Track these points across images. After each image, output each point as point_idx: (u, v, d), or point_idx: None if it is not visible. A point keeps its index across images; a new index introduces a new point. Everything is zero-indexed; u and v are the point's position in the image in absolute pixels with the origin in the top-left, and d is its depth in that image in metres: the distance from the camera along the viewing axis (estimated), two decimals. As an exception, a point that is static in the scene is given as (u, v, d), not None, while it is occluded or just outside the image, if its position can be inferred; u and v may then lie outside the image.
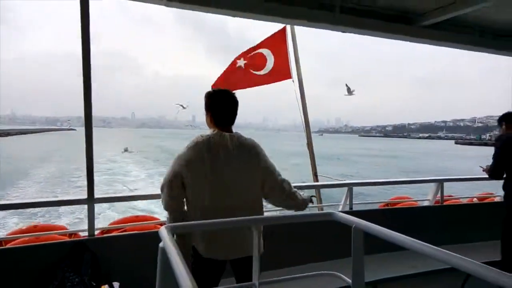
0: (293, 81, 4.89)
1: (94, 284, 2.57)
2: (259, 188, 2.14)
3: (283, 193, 2.20)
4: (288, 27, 4.97)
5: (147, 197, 3.22)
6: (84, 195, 2.74)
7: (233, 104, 2.16)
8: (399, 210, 4.52)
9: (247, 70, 4.98)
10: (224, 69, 5.13)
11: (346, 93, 17.96)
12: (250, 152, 2.11)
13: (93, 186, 2.73)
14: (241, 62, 4.99)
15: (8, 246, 2.76)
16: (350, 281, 1.64)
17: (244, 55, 5.10)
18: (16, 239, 2.86)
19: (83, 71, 2.57)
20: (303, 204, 2.30)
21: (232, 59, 5.08)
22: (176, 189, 2.03)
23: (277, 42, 5.01)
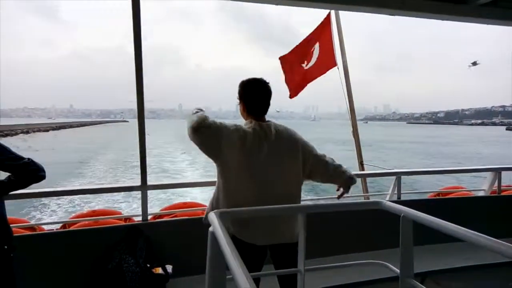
0: (338, 68, 4.76)
1: (148, 265, 2.71)
2: (300, 175, 2.11)
3: (329, 167, 2.16)
4: (332, 12, 4.82)
5: (196, 184, 3.33)
6: (138, 182, 2.89)
7: (266, 93, 2.12)
8: (451, 200, 4.28)
9: (300, 67, 4.91)
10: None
11: (470, 65, 17.35)
12: (289, 139, 2.09)
13: (146, 174, 2.87)
14: (305, 66, 4.94)
15: (71, 228, 2.98)
16: (398, 271, 1.60)
17: (298, 52, 5.01)
18: (77, 222, 3.08)
19: (135, 66, 2.68)
20: (349, 180, 2.24)
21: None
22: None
23: (322, 31, 4.89)
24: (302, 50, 4.95)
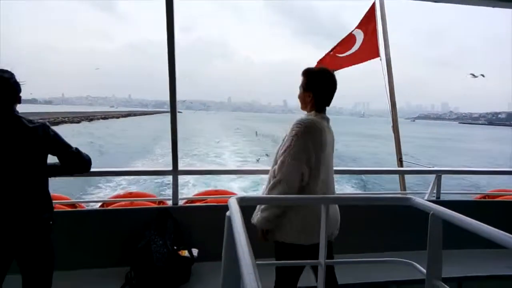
0: (380, 59, 4.52)
1: (175, 248, 2.76)
2: None
3: None
4: (377, 3, 4.59)
5: (227, 172, 3.33)
6: (169, 167, 2.95)
7: (336, 84, 2.06)
8: (499, 203, 3.91)
9: (333, 55, 4.77)
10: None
11: (471, 76, 16.56)
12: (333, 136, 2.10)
13: (177, 159, 2.93)
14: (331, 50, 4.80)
15: (109, 207, 3.12)
16: (425, 271, 1.50)
17: (341, 42, 4.87)
18: (115, 202, 3.21)
19: (168, 61, 2.74)
20: None
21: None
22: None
23: (366, 20, 4.70)
24: (344, 42, 4.79)
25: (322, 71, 2.07)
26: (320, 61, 4.86)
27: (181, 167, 2.97)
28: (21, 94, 1.99)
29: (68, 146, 2.04)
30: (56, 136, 2.01)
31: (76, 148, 2.06)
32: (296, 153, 1.87)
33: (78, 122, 54.71)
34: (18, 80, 1.98)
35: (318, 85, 2.02)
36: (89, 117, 63.11)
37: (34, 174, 1.96)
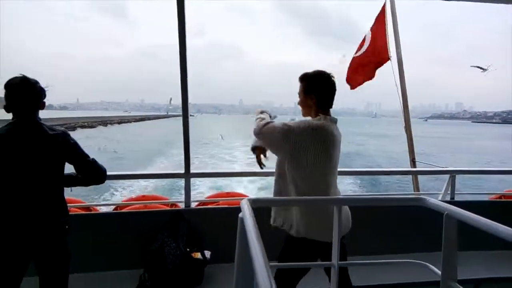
0: (390, 60, 4.46)
1: (188, 250, 2.77)
2: None
3: None
4: (388, 2, 4.54)
5: (238, 174, 3.34)
6: (182, 170, 2.97)
7: (335, 86, 2.07)
8: None
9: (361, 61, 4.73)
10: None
11: (481, 70, 15.92)
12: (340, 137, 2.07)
13: (189, 162, 2.94)
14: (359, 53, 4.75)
15: (123, 210, 3.15)
16: (440, 273, 1.47)
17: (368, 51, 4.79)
18: (129, 205, 3.24)
19: (180, 67, 2.74)
20: None
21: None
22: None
23: (377, 21, 4.64)
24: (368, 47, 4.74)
25: (319, 73, 2.06)
26: (358, 73, 4.82)
27: (194, 168, 2.99)
28: (44, 100, 2.03)
29: (85, 155, 2.07)
30: (76, 145, 2.04)
31: (93, 159, 2.09)
32: None
33: (93, 127, 55.85)
34: (42, 86, 2.02)
35: (319, 87, 2.03)
36: (106, 122, 65.01)
37: (52, 180, 1.99)
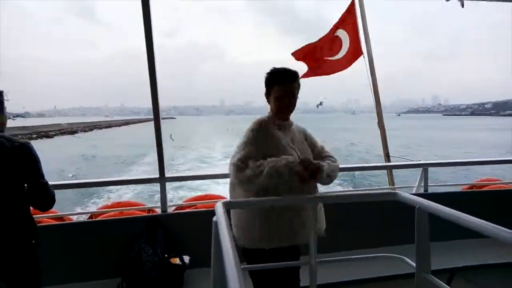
0: (363, 57, 4.49)
1: (166, 255, 2.69)
2: None
3: None
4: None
5: (214, 177, 3.27)
6: (156, 174, 2.88)
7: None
8: (485, 193, 3.89)
9: (322, 58, 4.69)
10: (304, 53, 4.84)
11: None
12: None
13: (164, 166, 2.86)
14: (319, 51, 4.70)
15: (97, 219, 3.04)
16: (414, 265, 1.49)
17: (324, 41, 4.76)
18: (104, 213, 3.13)
19: (148, 67, 2.65)
20: None
21: (309, 38, 4.78)
22: None
23: (347, 18, 4.65)
24: (330, 44, 4.72)
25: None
26: (312, 66, 4.75)
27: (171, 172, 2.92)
28: (8, 109, 1.89)
29: (40, 175, 1.87)
30: (34, 159, 1.86)
31: (46, 181, 1.90)
32: None
33: (75, 132, 55.14)
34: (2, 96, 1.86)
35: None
36: (90, 127, 65.22)
37: (12, 197, 1.83)
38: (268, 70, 1.93)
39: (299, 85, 1.94)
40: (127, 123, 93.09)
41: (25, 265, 1.91)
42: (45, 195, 1.88)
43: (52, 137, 46.21)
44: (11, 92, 1.90)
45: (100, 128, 67.90)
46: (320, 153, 2.01)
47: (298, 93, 1.93)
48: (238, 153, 1.78)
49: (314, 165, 1.71)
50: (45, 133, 47.93)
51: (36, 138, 41.41)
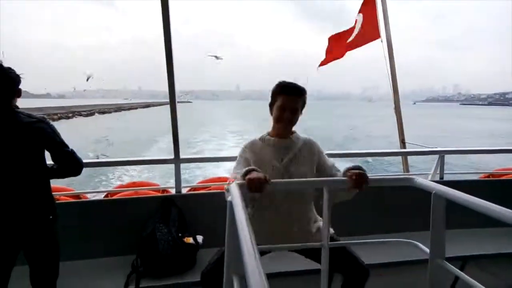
0: (381, 41, 4.34)
1: (180, 235, 2.72)
2: None
3: None
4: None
5: (228, 159, 3.25)
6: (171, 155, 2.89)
7: None
8: (504, 182, 3.77)
9: (342, 40, 4.59)
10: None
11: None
12: None
13: (179, 147, 2.86)
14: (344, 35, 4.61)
15: (113, 197, 3.08)
16: (428, 251, 1.47)
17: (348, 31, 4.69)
18: (119, 192, 3.17)
19: (165, 51, 2.65)
20: None
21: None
22: None
23: (366, 2, 4.50)
24: (350, 30, 4.62)
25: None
26: (330, 52, 4.69)
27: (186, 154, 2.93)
28: (23, 88, 1.93)
29: (64, 145, 1.95)
30: (53, 132, 1.93)
31: (72, 150, 1.97)
32: None
33: (104, 112, 58.31)
34: (17, 73, 1.90)
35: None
36: (115, 109, 67.63)
37: (32, 171, 1.89)
38: (277, 82, 1.94)
39: (304, 102, 1.93)
40: (148, 105, 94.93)
41: (43, 239, 1.97)
42: (74, 161, 1.96)
43: (86, 117, 50.22)
44: (31, 74, 1.93)
45: (124, 110, 70.56)
46: (330, 173, 1.95)
47: (301, 110, 1.93)
48: (233, 172, 1.82)
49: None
50: (78, 112, 51.66)
51: (72, 117, 45.67)
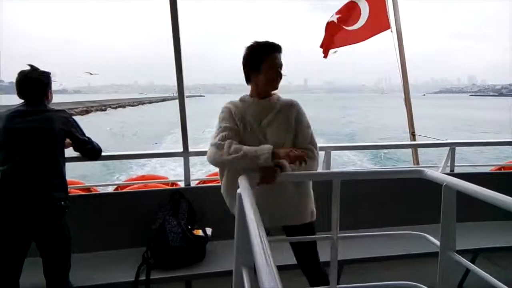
0: (391, 31, 4.22)
1: (190, 227, 2.71)
2: None
3: None
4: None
5: None
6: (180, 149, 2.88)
7: None
8: None
9: (339, 26, 4.46)
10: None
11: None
12: None
13: (187, 141, 2.85)
14: (334, 17, 4.47)
15: (123, 190, 3.09)
16: (438, 244, 1.44)
17: (342, 11, 4.53)
18: (129, 185, 3.18)
19: (173, 43, 2.65)
20: None
21: (332, 3, 4.55)
22: None
23: None
24: (349, 13, 4.47)
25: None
26: (331, 35, 4.55)
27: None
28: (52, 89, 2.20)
29: (81, 133, 2.22)
30: (74, 122, 2.19)
31: (89, 138, 2.27)
32: None
33: (126, 106, 60.27)
34: (49, 76, 2.16)
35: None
36: (136, 103, 70.45)
37: (51, 155, 2.02)
38: (250, 44, 1.88)
39: (280, 56, 1.91)
40: (164, 99, 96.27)
41: (56, 227, 2.01)
42: (89, 149, 2.28)
43: (106, 110, 51.89)
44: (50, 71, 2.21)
45: (144, 104, 72.99)
46: (301, 143, 1.88)
47: (281, 65, 1.89)
48: (216, 135, 1.83)
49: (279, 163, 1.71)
50: (105, 106, 54.45)
51: (105, 110, 49.23)
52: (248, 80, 1.93)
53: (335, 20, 4.44)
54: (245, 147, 1.72)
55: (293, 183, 1.85)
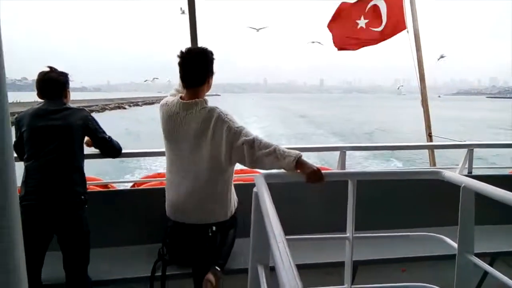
0: (407, 31, 4.13)
1: (204, 225, 2.72)
2: None
3: None
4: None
5: None
6: None
7: None
8: None
9: (368, 29, 4.37)
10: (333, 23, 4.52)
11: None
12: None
13: None
14: (362, 23, 4.37)
15: (140, 187, 3.12)
16: (456, 246, 1.41)
17: (361, 11, 4.43)
18: (145, 182, 3.22)
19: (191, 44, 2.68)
20: None
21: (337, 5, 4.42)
22: None
23: None
24: (371, 14, 4.38)
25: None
26: (357, 37, 4.46)
27: None
28: (71, 85, 2.29)
29: (102, 132, 2.27)
30: (94, 120, 2.24)
31: (109, 136, 2.31)
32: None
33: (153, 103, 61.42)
34: (67, 77, 2.23)
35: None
36: (155, 100, 72.67)
37: (71, 155, 2.08)
38: (206, 48, 2.11)
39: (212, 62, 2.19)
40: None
41: (76, 221, 2.08)
42: (109, 146, 2.33)
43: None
44: (67, 69, 2.28)
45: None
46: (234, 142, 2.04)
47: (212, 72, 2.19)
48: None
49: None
50: (134, 103, 59.77)
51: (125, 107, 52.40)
52: (204, 81, 2.11)
53: (364, 26, 4.35)
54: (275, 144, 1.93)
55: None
